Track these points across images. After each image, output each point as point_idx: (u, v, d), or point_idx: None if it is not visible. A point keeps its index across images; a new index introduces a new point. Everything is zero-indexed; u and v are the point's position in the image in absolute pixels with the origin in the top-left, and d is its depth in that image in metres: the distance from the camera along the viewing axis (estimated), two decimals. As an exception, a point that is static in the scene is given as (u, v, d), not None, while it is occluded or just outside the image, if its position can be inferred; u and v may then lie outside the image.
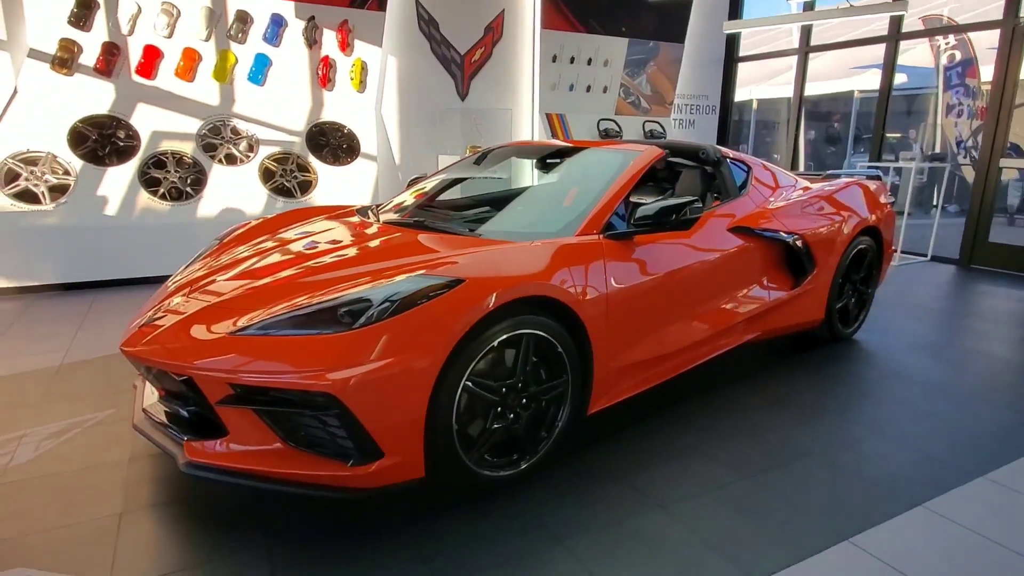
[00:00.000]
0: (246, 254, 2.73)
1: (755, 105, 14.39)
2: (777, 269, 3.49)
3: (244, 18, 6.05)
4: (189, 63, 5.88)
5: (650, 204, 2.61)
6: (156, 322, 2.26)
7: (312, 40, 6.34)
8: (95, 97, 5.53)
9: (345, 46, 6.50)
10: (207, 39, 5.93)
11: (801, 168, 9.52)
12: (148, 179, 5.55)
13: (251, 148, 6.07)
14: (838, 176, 4.49)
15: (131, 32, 5.62)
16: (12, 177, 5.07)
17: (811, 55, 8.46)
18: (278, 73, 6.25)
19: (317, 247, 2.62)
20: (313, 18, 6.30)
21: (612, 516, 2.15)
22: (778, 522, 2.13)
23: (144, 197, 5.49)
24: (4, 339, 3.96)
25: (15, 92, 5.25)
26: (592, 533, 2.06)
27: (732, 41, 9.11)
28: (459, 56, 7.31)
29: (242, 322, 2.07)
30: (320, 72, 6.43)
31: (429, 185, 3.66)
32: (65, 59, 5.40)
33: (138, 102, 5.70)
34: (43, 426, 2.74)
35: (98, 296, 5.11)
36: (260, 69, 6.17)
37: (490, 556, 1.94)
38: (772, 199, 3.61)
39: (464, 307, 2.01)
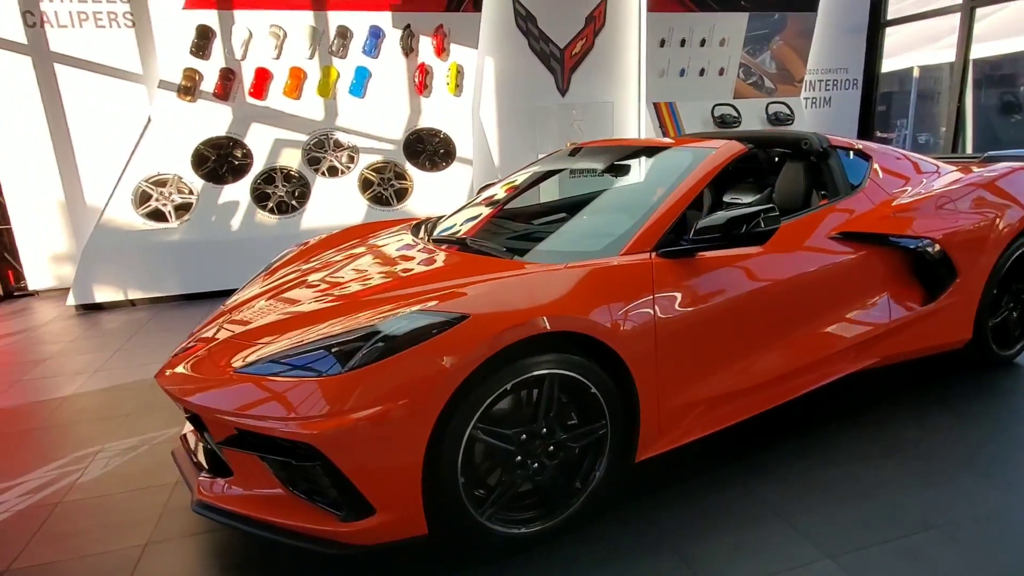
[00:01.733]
0: (286, 278, 2.69)
1: (916, 73, 12.52)
2: (903, 281, 2.85)
3: (344, 33, 6.22)
4: (295, 81, 6.16)
5: (715, 215, 2.19)
6: (189, 350, 2.26)
7: (409, 48, 6.38)
8: (214, 120, 5.96)
9: (441, 51, 6.47)
10: (311, 57, 6.18)
11: (969, 148, 8.07)
12: (259, 194, 5.89)
13: (351, 159, 6.24)
14: (998, 160, 3.63)
15: (244, 57, 5.99)
16: (145, 198, 5.60)
17: (980, 9, 7.09)
18: (377, 84, 6.37)
19: (349, 272, 2.51)
20: (409, 26, 6.33)
21: (649, 596, 1.81)
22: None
23: (255, 212, 5.83)
24: (124, 350, 4.35)
25: (149, 120, 5.80)
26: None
27: (877, 2, 7.90)
28: (559, 50, 7.02)
29: (251, 357, 1.99)
30: (417, 79, 6.46)
31: (496, 194, 3.45)
32: (188, 87, 5.88)
33: (252, 122, 6.07)
34: (120, 441, 2.92)
35: (214, 305, 5.51)
36: (360, 81, 6.32)
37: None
38: (900, 194, 2.96)
39: (466, 348, 1.77)
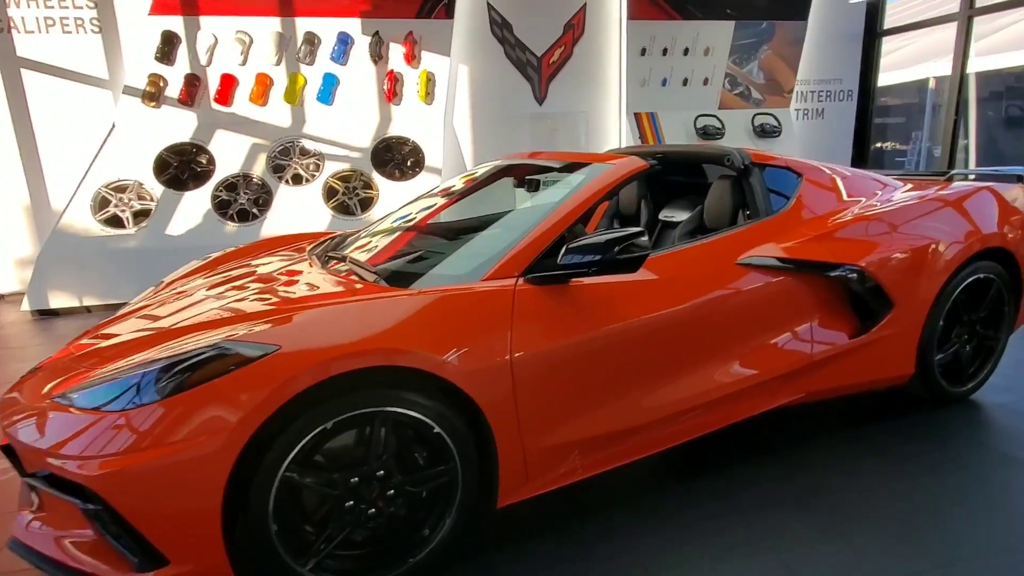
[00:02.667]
0: (159, 297, 2.55)
1: (932, 84, 12.10)
2: (832, 311, 2.63)
3: (312, 40, 6.14)
4: (262, 88, 6.08)
5: (582, 238, 2.00)
6: (33, 371, 2.14)
7: (378, 55, 6.27)
8: (179, 126, 5.91)
9: (411, 58, 6.35)
10: (278, 63, 6.10)
11: (972, 163, 7.73)
12: (220, 202, 5.81)
13: (317, 167, 6.14)
14: (962, 178, 3.38)
15: (209, 63, 5.94)
16: (104, 204, 5.56)
17: (1000, 20, 6.79)
18: (345, 91, 6.27)
19: (212, 293, 2.36)
20: (378, 33, 6.23)
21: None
22: None
23: (214, 219, 5.75)
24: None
25: (113, 126, 5.77)
26: None
27: (874, 10, 7.62)
28: (536, 58, 6.86)
29: (71, 384, 1.85)
30: (386, 87, 6.35)
31: (419, 207, 3.27)
32: (153, 93, 5.83)
33: (217, 129, 6.00)
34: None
35: (169, 314, 5.43)
36: (328, 89, 6.23)
37: None
38: (833, 216, 2.74)
39: (270, 384, 1.61)
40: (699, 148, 3.03)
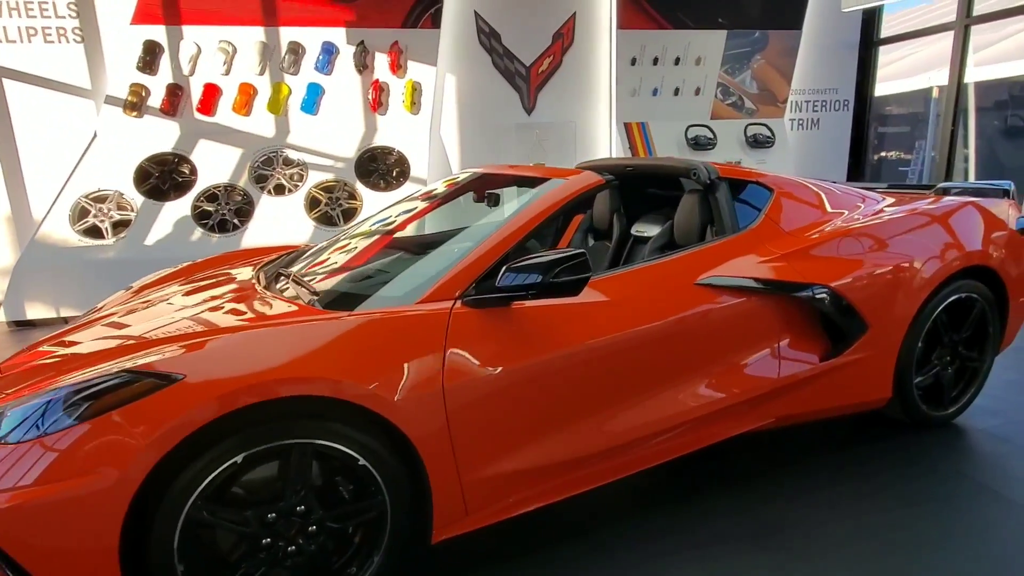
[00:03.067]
0: (108, 311, 2.47)
1: (936, 93, 11.94)
2: (802, 332, 2.51)
3: (296, 49, 6.08)
4: (245, 97, 6.03)
5: (521, 260, 1.89)
6: None
7: (363, 65, 6.21)
8: (161, 136, 5.86)
9: (396, 68, 6.28)
10: (261, 73, 6.05)
11: (972, 175, 7.58)
12: (200, 212, 5.74)
13: (300, 177, 6.07)
14: (948, 192, 3.26)
15: (192, 72, 5.89)
16: (83, 214, 5.50)
17: (984, 26, 6.66)
18: (330, 101, 6.21)
19: (148, 312, 2.26)
20: (363, 42, 6.17)
21: None
22: None
23: (194, 230, 5.68)
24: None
25: (95, 136, 5.72)
26: None
27: (870, 20, 7.50)
28: (524, 68, 6.78)
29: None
30: (371, 96, 6.28)
31: (383, 221, 3.17)
32: (135, 103, 5.79)
33: (199, 138, 5.95)
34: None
35: (146, 326, 5.35)
36: (312, 98, 6.17)
37: None
38: (805, 232, 2.62)
39: (171, 416, 1.50)
40: (666, 162, 2.92)
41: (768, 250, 2.47)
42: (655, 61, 6.87)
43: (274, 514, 1.67)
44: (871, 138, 8.19)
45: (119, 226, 5.56)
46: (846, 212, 2.81)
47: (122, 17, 5.70)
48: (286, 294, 2.20)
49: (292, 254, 2.89)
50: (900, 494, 2.41)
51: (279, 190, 6.00)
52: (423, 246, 2.50)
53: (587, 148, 7.03)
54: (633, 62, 6.82)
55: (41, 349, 2.18)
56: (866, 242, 2.61)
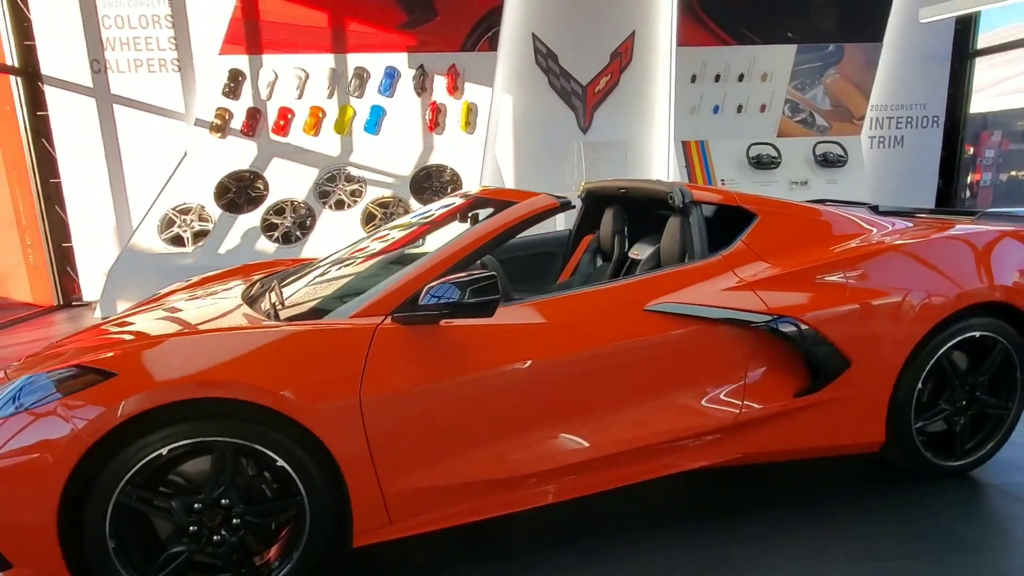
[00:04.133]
0: (135, 312, 2.77)
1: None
2: (775, 365, 2.38)
3: (361, 74, 6.50)
4: (315, 119, 6.52)
5: (440, 280, 1.96)
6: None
7: (421, 87, 6.53)
8: (240, 155, 6.45)
9: (453, 89, 6.55)
10: (330, 96, 6.52)
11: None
12: (268, 224, 6.25)
13: (359, 194, 6.45)
14: (994, 218, 2.96)
15: (269, 97, 6.46)
16: (168, 224, 6.16)
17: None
18: (391, 122, 6.57)
19: (152, 314, 2.54)
20: (422, 66, 6.48)
21: None
22: None
23: (261, 240, 6.19)
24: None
25: (185, 155, 6.41)
26: None
27: (964, 30, 6.88)
28: (581, 87, 6.83)
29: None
30: (429, 117, 6.57)
31: (376, 238, 3.30)
32: (219, 125, 6.42)
33: (273, 157, 6.49)
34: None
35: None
36: (375, 119, 6.56)
37: None
38: (789, 260, 2.48)
39: (99, 407, 1.71)
40: (647, 185, 2.87)
41: (736, 277, 2.38)
42: (717, 78, 6.69)
43: (199, 504, 1.84)
44: (994, 156, 7.34)
45: (199, 236, 6.17)
46: (847, 240, 2.63)
47: (212, 48, 6.36)
48: (261, 305, 2.40)
49: (291, 268, 3.12)
50: (870, 541, 2.22)
51: (339, 205, 6.41)
52: (394, 263, 2.61)
53: (642, 166, 6.95)
54: (693, 79, 6.68)
55: (102, 327, 2.50)
56: (855, 272, 2.44)
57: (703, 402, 2.28)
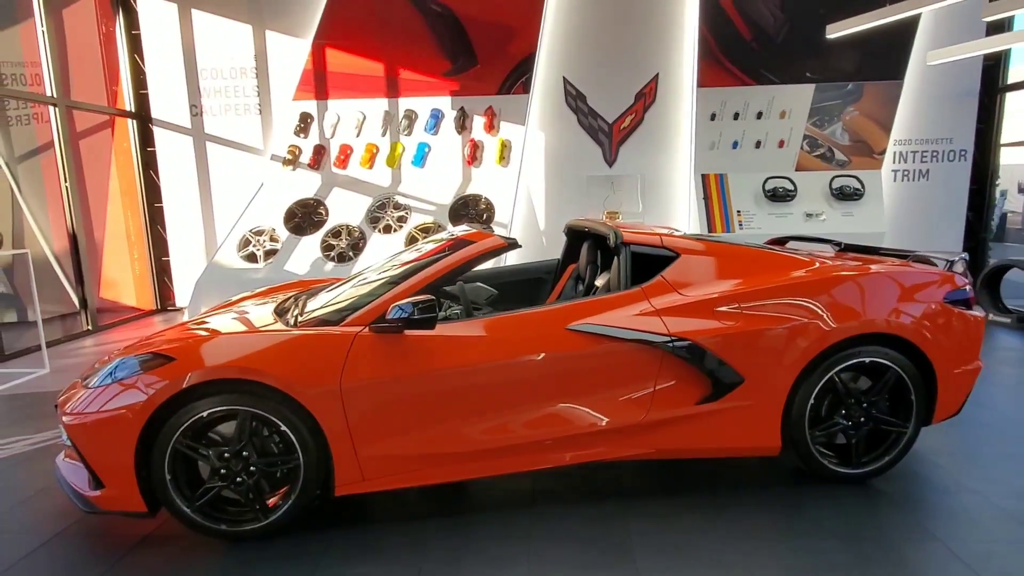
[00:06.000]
0: (219, 311, 3.62)
1: None
2: (684, 378, 2.91)
3: (411, 115, 7.41)
4: (369, 155, 7.47)
5: (400, 301, 2.67)
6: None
7: (462, 126, 7.36)
8: (307, 185, 7.48)
9: (490, 127, 7.33)
10: (383, 135, 7.46)
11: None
12: (326, 245, 7.22)
13: (404, 220, 7.32)
14: (904, 257, 3.38)
15: (332, 135, 7.47)
16: (245, 244, 7.24)
17: None
18: (435, 157, 7.43)
19: (223, 314, 3.39)
20: (463, 108, 7.31)
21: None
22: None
23: (320, 259, 7.16)
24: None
25: (261, 185, 7.51)
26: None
27: (993, 66, 6.99)
28: (607, 125, 7.45)
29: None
30: (467, 152, 7.38)
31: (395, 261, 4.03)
32: (291, 160, 7.49)
33: (333, 187, 7.49)
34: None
35: (278, 333, 6.88)
36: (421, 155, 7.44)
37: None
38: (698, 292, 3.00)
39: (163, 381, 2.51)
40: (599, 226, 3.45)
41: (649, 305, 2.94)
42: (736, 116, 7.13)
43: (227, 454, 2.61)
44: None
45: (269, 254, 7.21)
46: (766, 275, 3.10)
47: (287, 95, 7.46)
48: (291, 313, 3.19)
49: (326, 284, 3.93)
50: (758, 523, 2.70)
51: (387, 229, 7.30)
52: (386, 284, 3.34)
53: (661, 198, 7.45)
54: (713, 117, 7.15)
55: (184, 324, 3.37)
56: (753, 303, 2.94)
57: (616, 404, 2.86)
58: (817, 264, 3.23)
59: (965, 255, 3.32)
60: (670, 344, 2.83)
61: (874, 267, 3.19)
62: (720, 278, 3.12)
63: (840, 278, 3.06)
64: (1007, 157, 7.40)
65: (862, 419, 3.03)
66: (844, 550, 2.52)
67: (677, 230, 3.57)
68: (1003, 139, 7.20)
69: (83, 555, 2.64)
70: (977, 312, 3.16)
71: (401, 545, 2.65)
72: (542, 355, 2.81)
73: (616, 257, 3.16)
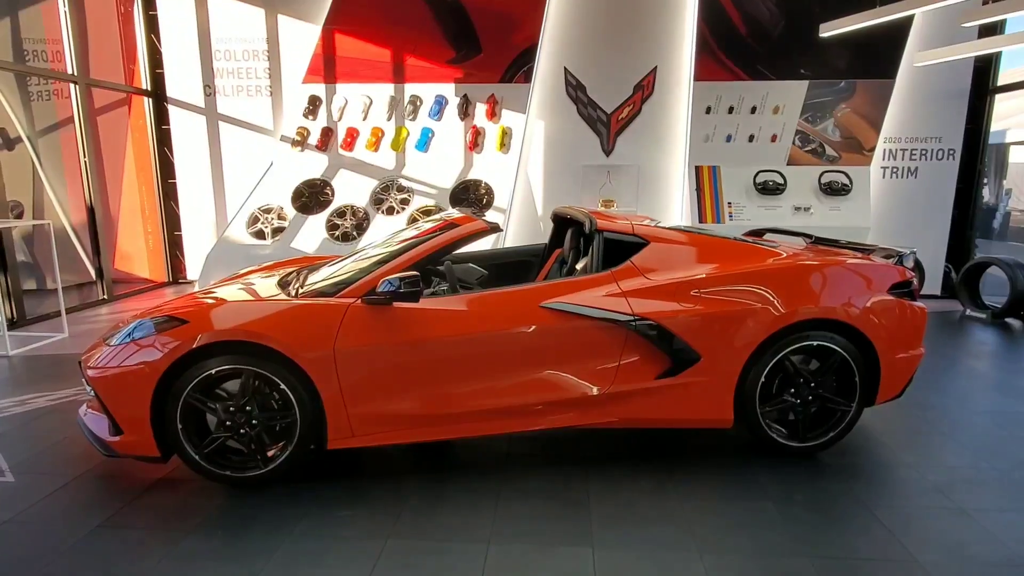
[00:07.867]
0: (228, 282, 3.94)
1: None
2: (645, 353, 3.20)
3: (415, 101, 7.66)
4: (375, 138, 7.73)
5: (391, 276, 2.96)
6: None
7: (465, 113, 7.60)
8: (314, 166, 7.77)
9: (492, 115, 7.57)
10: (389, 119, 7.72)
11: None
12: (331, 225, 7.52)
13: (407, 202, 7.60)
14: (864, 251, 3.63)
15: (340, 118, 7.73)
16: (254, 221, 7.55)
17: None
18: (438, 142, 7.68)
19: (233, 284, 3.70)
20: (466, 95, 7.55)
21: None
22: None
23: (324, 237, 7.46)
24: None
25: (271, 164, 7.80)
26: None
27: (984, 68, 7.14)
28: (605, 115, 7.66)
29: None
30: (469, 139, 7.63)
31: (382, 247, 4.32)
32: (299, 141, 7.77)
33: (340, 169, 7.77)
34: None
35: (283, 307, 7.21)
36: (424, 139, 7.69)
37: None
38: (663, 277, 3.27)
39: (176, 341, 2.83)
40: (579, 213, 3.72)
41: (617, 287, 3.22)
42: (730, 110, 7.33)
43: (232, 408, 2.93)
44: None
45: (277, 232, 7.52)
46: (722, 263, 3.36)
47: (296, 78, 7.72)
48: (293, 285, 3.49)
49: (327, 261, 4.23)
50: (704, 485, 3.00)
51: (390, 211, 7.59)
52: (380, 262, 3.63)
53: (656, 188, 7.68)
54: (708, 111, 7.35)
55: (193, 294, 3.68)
56: (712, 288, 3.21)
57: (584, 376, 3.15)
58: (783, 255, 3.49)
59: (915, 250, 3.57)
60: (633, 323, 3.12)
61: (830, 259, 3.46)
62: (687, 265, 3.39)
63: (792, 267, 3.32)
64: (1016, 156, 7.55)
65: (810, 397, 3.31)
66: (775, 511, 2.82)
67: (656, 220, 3.83)
68: (1005, 140, 7.35)
69: (101, 494, 2.98)
70: (920, 303, 3.43)
71: (384, 493, 2.97)
72: (517, 329, 3.10)
73: (591, 242, 3.44)
